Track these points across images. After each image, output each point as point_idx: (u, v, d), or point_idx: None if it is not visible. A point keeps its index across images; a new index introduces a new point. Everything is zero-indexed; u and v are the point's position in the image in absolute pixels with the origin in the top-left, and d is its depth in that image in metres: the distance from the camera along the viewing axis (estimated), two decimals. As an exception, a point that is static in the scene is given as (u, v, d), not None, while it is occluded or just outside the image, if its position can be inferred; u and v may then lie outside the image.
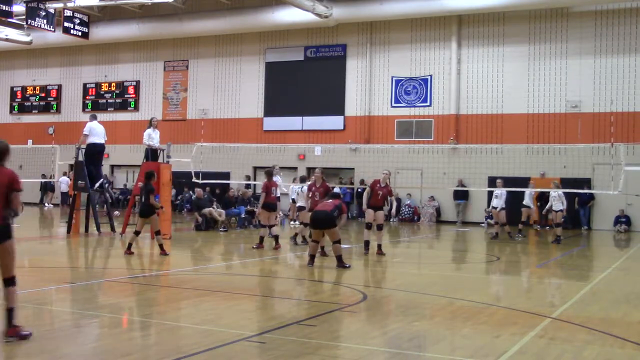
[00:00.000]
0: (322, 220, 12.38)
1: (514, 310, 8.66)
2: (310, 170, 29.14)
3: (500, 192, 19.91)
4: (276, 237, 15.46)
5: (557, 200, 19.19)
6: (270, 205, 15.68)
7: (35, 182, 29.45)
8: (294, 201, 23.14)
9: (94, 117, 18.88)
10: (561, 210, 19.09)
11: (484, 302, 9.25)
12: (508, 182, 24.20)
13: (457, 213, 27.74)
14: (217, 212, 20.77)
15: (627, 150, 21.04)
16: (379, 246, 14.60)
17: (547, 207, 20.32)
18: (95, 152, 18.24)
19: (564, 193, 19.57)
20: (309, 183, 16.72)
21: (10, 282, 6.40)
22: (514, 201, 21.14)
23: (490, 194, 25.17)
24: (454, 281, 11.84)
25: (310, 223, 12.73)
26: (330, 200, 12.85)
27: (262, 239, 15.52)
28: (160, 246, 13.66)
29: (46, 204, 32.62)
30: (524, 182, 25.73)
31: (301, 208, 17.62)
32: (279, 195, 18.94)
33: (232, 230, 21.20)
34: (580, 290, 10.96)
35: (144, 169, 16.97)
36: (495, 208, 20.09)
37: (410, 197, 28.52)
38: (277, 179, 19.26)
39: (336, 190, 15.95)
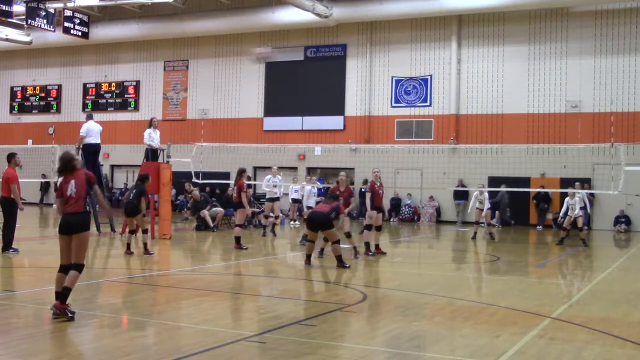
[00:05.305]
0: (318, 221, 12.53)
1: (514, 310, 8.66)
2: (309, 170, 29.28)
3: (577, 198, 18.28)
4: (237, 238, 15.27)
5: (578, 204, 18.24)
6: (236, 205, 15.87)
7: (35, 182, 29.42)
8: (294, 201, 23.27)
9: (90, 117, 18.90)
10: (581, 215, 18.39)
11: (484, 302, 9.26)
12: (508, 182, 24.32)
13: (457, 213, 27.74)
14: (210, 212, 20.89)
15: (627, 150, 21.01)
16: (377, 246, 14.79)
17: (562, 210, 18.85)
18: (91, 152, 18.26)
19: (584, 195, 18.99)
20: (331, 186, 16.75)
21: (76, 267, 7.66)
22: (514, 202, 20.96)
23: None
24: (454, 281, 11.85)
25: (306, 224, 12.86)
26: (328, 202, 12.94)
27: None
28: (144, 245, 13.63)
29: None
30: (525, 182, 25.77)
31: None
32: (279, 195, 19.03)
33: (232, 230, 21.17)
34: (580, 290, 10.97)
35: (144, 169, 16.99)
36: (573, 217, 18.30)
37: (410, 197, 28.54)
38: (277, 179, 19.29)
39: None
